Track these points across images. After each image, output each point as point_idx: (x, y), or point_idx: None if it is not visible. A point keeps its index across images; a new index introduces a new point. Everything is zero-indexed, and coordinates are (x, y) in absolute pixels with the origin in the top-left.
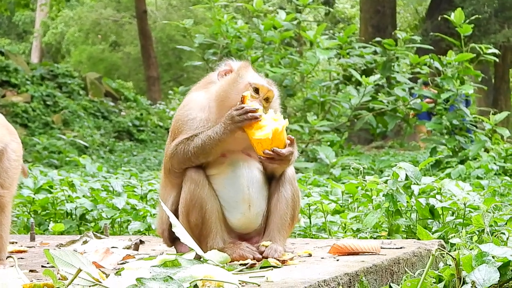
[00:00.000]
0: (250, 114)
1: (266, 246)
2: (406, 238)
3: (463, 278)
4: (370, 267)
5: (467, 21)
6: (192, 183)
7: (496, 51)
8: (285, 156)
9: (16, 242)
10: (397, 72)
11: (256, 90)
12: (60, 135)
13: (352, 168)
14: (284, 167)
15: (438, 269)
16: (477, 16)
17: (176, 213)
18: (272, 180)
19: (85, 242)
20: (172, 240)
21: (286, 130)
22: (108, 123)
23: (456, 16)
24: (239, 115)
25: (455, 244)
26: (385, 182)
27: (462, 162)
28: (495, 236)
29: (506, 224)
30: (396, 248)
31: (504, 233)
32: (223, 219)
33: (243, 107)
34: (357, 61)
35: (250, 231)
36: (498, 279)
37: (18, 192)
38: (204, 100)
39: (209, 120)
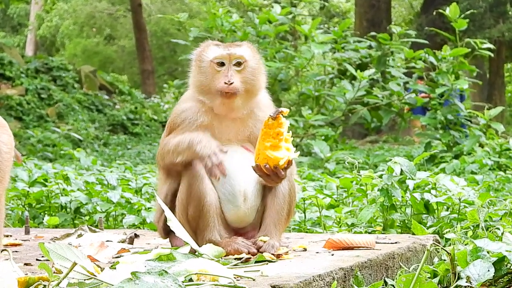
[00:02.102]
0: (215, 170)
1: (264, 242)
2: (401, 233)
3: (458, 273)
4: (365, 262)
5: (462, 15)
6: (191, 176)
7: (491, 46)
8: (280, 179)
9: (10, 236)
10: (392, 66)
11: (221, 63)
12: (54, 128)
13: (347, 162)
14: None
15: (433, 264)
16: (472, 10)
17: (172, 205)
18: None
19: (80, 235)
20: (167, 232)
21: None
22: (103, 116)
23: (451, 10)
24: (210, 165)
25: (450, 239)
26: (380, 176)
27: (456, 157)
28: (490, 231)
29: (500, 219)
30: (391, 243)
31: (499, 228)
32: (220, 213)
33: (218, 161)
34: (352, 55)
35: (245, 225)
36: (493, 274)
37: (12, 185)
38: (190, 93)
39: (200, 110)
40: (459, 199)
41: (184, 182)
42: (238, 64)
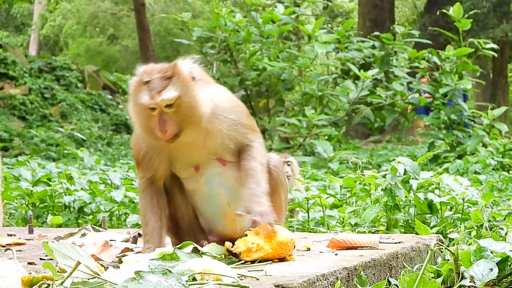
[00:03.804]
0: None
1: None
2: (405, 232)
3: (462, 273)
4: (369, 262)
5: (466, 15)
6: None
7: (495, 46)
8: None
9: (14, 235)
10: (395, 66)
11: (152, 108)
12: (57, 127)
13: (351, 162)
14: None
15: (436, 264)
16: (475, 10)
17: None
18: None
19: (83, 235)
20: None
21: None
22: (106, 116)
23: (454, 10)
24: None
25: (453, 239)
26: (384, 176)
27: (460, 157)
28: (493, 231)
29: (504, 219)
30: (395, 243)
31: (502, 228)
32: (199, 227)
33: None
34: (355, 55)
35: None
36: (497, 274)
37: (16, 185)
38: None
39: (153, 146)
40: (463, 199)
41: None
42: (170, 106)
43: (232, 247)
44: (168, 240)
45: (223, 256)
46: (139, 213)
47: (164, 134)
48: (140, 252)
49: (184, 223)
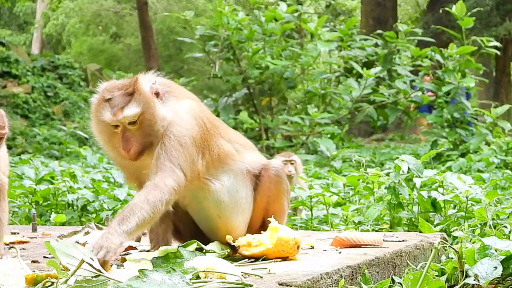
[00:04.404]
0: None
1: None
2: (408, 231)
3: (466, 271)
4: (373, 260)
5: (469, 13)
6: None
7: (497, 44)
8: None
9: (18, 233)
10: (398, 64)
11: (115, 126)
12: (60, 126)
13: (354, 160)
14: None
15: (440, 262)
16: (478, 9)
17: None
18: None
19: (87, 233)
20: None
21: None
22: None
23: (457, 8)
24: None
25: (457, 237)
26: (387, 174)
27: (463, 155)
28: (497, 230)
29: (508, 217)
30: (399, 241)
31: (506, 227)
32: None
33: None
34: (358, 53)
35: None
36: (501, 272)
37: (19, 183)
38: None
39: (123, 163)
40: (467, 197)
41: None
42: (133, 123)
43: (233, 242)
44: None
45: (226, 253)
46: None
47: (128, 152)
48: (144, 251)
49: (187, 232)
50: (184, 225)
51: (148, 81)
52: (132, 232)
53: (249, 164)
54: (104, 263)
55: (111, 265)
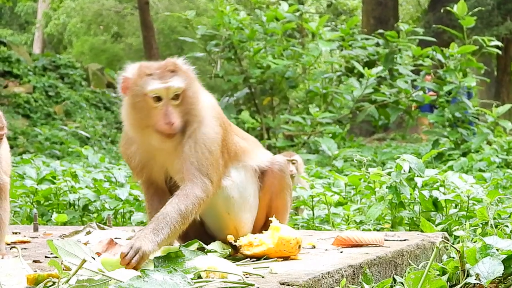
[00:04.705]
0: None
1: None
2: (410, 230)
3: (467, 271)
4: (374, 259)
5: (470, 13)
6: None
7: (499, 44)
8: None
9: (19, 233)
10: (400, 64)
11: (158, 98)
12: (62, 126)
13: (356, 160)
14: None
15: (441, 262)
16: (479, 8)
17: None
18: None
19: (88, 232)
20: None
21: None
22: (110, 114)
23: (458, 8)
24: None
25: (458, 236)
26: (389, 174)
27: (464, 154)
28: (499, 229)
29: (509, 216)
30: (400, 241)
31: (507, 226)
32: (206, 234)
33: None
34: (360, 53)
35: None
36: (502, 271)
37: (21, 183)
38: (125, 132)
39: (137, 152)
40: (468, 197)
41: None
42: (176, 97)
43: (235, 242)
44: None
45: (227, 253)
46: (145, 211)
47: (170, 126)
48: None
49: (192, 231)
50: (189, 224)
51: (186, 64)
52: (163, 243)
53: (259, 160)
54: (134, 267)
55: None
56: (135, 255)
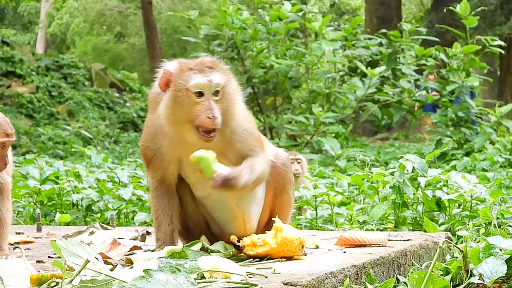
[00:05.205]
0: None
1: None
2: (413, 230)
3: (470, 271)
4: (377, 259)
5: (473, 13)
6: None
7: (502, 43)
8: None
9: (22, 233)
10: (403, 64)
11: (200, 94)
12: (65, 126)
13: (359, 160)
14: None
15: (445, 262)
16: (482, 8)
17: None
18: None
19: (91, 233)
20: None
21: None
22: (113, 114)
23: (461, 7)
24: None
25: (462, 236)
26: (392, 174)
27: (467, 154)
28: (502, 229)
29: None
30: (403, 241)
31: (511, 226)
32: (211, 234)
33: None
34: (363, 52)
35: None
36: (506, 271)
37: (24, 183)
38: (153, 126)
39: (168, 147)
40: (471, 197)
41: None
42: (216, 92)
43: (238, 242)
44: (180, 244)
45: (231, 253)
46: (148, 211)
47: (212, 120)
48: (150, 250)
49: (196, 231)
50: (195, 223)
51: (220, 61)
52: (251, 184)
53: (270, 154)
54: (229, 186)
55: None
56: (230, 179)
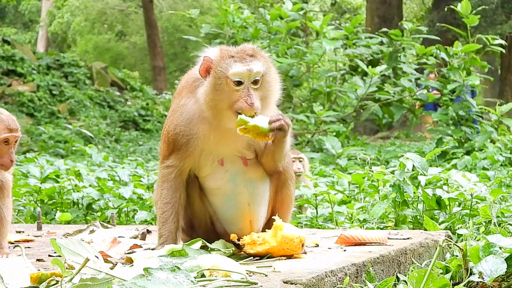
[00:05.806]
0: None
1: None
2: (413, 228)
3: (470, 269)
4: (377, 258)
5: (474, 11)
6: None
7: (503, 42)
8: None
9: (23, 232)
10: (404, 62)
11: (239, 83)
12: (66, 124)
13: (359, 158)
14: (280, 149)
15: (445, 260)
16: (483, 6)
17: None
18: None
19: (92, 231)
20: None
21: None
22: (114, 112)
23: (462, 6)
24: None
25: (462, 235)
26: (392, 172)
27: (468, 153)
28: (502, 227)
29: None
30: (403, 239)
31: (511, 224)
32: (215, 233)
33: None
34: (364, 51)
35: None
36: (505, 270)
37: (24, 181)
38: (192, 110)
39: (204, 133)
40: (471, 195)
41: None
42: (256, 82)
43: (238, 241)
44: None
45: (231, 252)
46: (149, 209)
47: (252, 106)
48: (150, 248)
49: (201, 230)
50: (200, 222)
51: (261, 49)
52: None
53: None
54: (287, 123)
55: None
56: (284, 118)
